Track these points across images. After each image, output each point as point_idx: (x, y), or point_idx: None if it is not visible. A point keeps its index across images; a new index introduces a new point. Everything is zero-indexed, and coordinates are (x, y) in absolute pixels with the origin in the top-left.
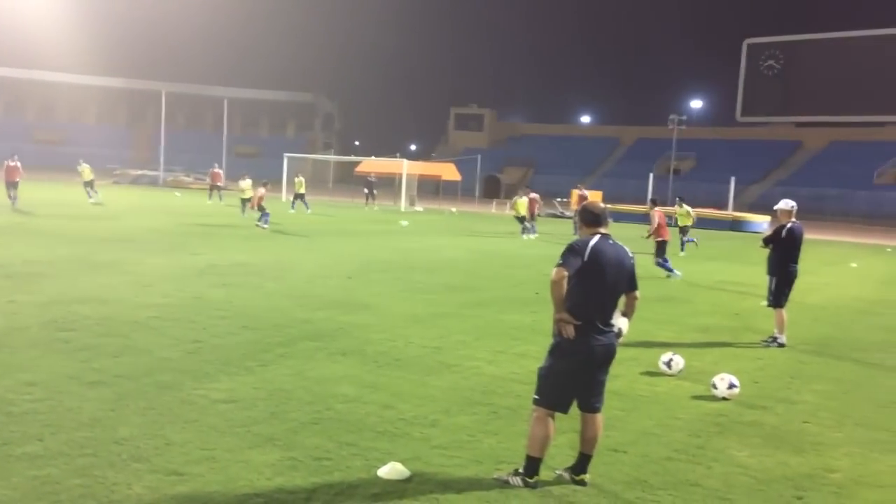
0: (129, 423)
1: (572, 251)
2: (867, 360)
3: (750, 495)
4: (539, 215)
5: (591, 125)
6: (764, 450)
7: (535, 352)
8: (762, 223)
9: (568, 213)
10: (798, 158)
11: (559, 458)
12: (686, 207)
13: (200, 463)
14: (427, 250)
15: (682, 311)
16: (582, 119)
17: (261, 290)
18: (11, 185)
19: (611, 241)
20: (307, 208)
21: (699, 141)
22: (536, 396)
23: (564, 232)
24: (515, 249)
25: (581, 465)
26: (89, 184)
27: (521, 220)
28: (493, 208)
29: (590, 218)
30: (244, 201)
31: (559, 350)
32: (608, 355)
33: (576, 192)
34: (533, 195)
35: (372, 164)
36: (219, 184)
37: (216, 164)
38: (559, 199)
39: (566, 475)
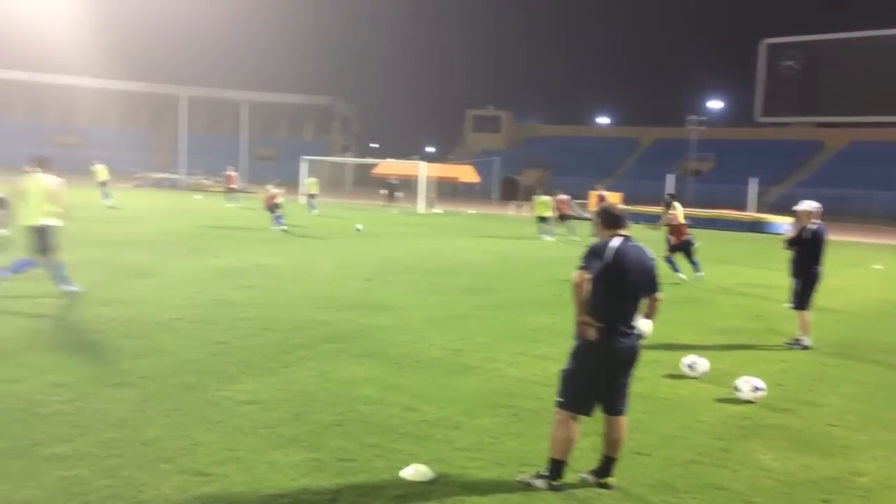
0: (155, 423)
1: (593, 253)
2: (892, 362)
3: (775, 499)
4: (570, 217)
5: (609, 126)
6: (789, 453)
7: (556, 354)
8: (783, 224)
9: (586, 215)
10: (819, 159)
11: (583, 460)
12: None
13: (226, 463)
14: (446, 252)
15: (704, 313)
16: (600, 120)
17: (281, 292)
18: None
19: (632, 243)
20: (313, 209)
21: (719, 142)
22: (559, 399)
23: (582, 233)
24: (534, 251)
25: (605, 467)
26: (104, 185)
27: (543, 220)
28: (511, 210)
29: (610, 219)
30: (272, 207)
31: (581, 352)
32: (631, 358)
33: (594, 194)
34: (563, 196)
35: (390, 167)
36: (233, 186)
37: (230, 167)
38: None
39: (590, 478)
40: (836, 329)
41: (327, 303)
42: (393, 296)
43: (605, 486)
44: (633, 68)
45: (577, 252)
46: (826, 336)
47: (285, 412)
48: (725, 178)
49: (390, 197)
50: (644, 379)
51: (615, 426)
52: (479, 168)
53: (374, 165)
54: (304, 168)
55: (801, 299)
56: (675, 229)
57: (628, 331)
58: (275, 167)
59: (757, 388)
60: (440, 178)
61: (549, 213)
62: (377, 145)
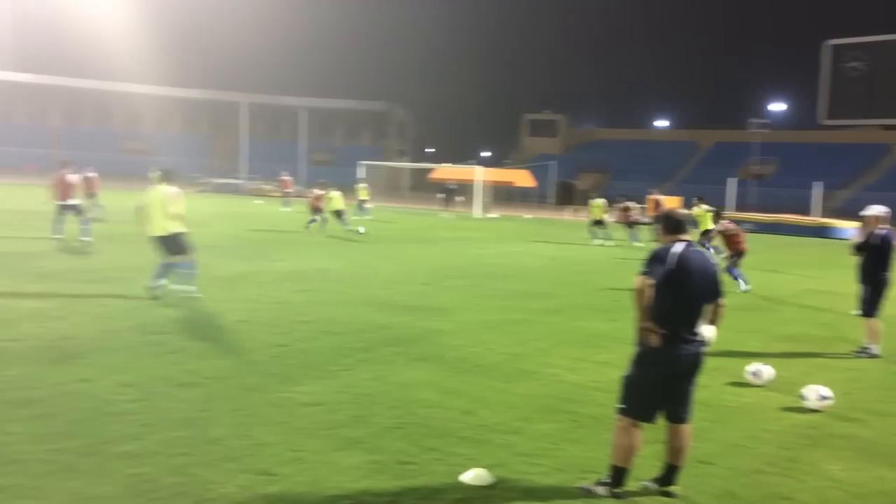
0: (220, 423)
1: (656, 259)
2: None
3: None
4: (637, 222)
5: (667, 129)
6: (858, 464)
7: (615, 360)
8: (849, 230)
9: (644, 220)
10: (887, 162)
11: (645, 468)
12: (705, 207)
13: (290, 464)
14: (502, 257)
15: (768, 319)
16: (658, 123)
17: (340, 295)
18: (90, 196)
19: (694, 248)
20: (363, 214)
21: (781, 145)
22: (620, 405)
23: (645, 239)
24: (592, 256)
25: (668, 476)
26: None
27: (598, 224)
28: (567, 215)
29: (672, 225)
30: (338, 213)
31: (644, 359)
32: (694, 365)
33: (652, 198)
34: (629, 203)
35: (446, 171)
36: (288, 191)
37: (284, 172)
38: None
39: (653, 486)
40: None
41: (385, 306)
42: (450, 300)
43: (668, 494)
44: (693, 70)
45: (635, 257)
46: (895, 345)
47: (346, 414)
48: (789, 182)
49: (448, 201)
50: (707, 386)
51: (678, 434)
52: (535, 172)
53: (430, 170)
54: (360, 173)
55: (870, 306)
56: (729, 239)
57: (691, 337)
58: (332, 172)
59: (823, 397)
60: (496, 182)
61: (603, 217)
62: (433, 150)
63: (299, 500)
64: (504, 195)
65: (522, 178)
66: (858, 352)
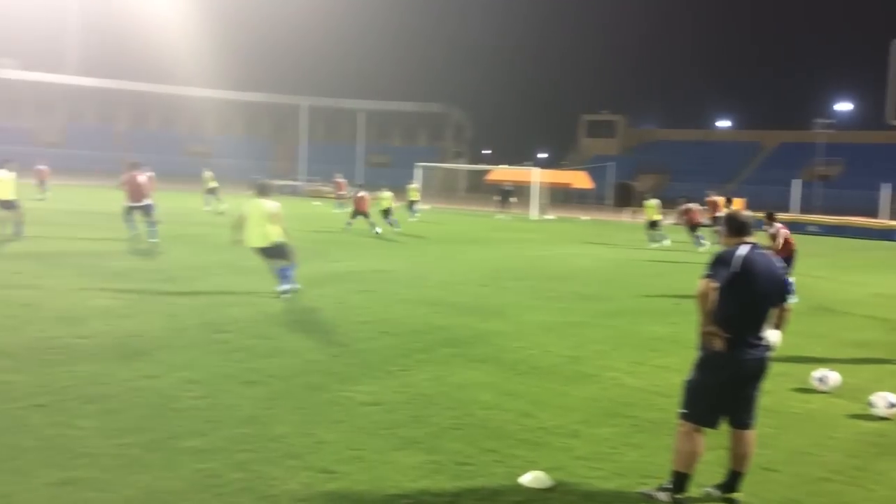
0: (282, 421)
1: (720, 262)
2: None
3: None
4: (700, 224)
5: (729, 129)
6: None
7: (676, 364)
8: None
9: (705, 222)
10: None
11: (707, 474)
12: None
13: (350, 462)
14: (559, 259)
15: (835, 324)
16: (720, 123)
17: (398, 296)
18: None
19: (759, 251)
20: (416, 215)
21: (848, 145)
22: (683, 410)
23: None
24: (651, 258)
25: (732, 483)
26: (212, 191)
27: (653, 225)
28: (626, 216)
29: (736, 226)
30: (385, 212)
31: (707, 364)
32: (759, 370)
33: (710, 200)
34: (691, 205)
35: (503, 173)
36: (342, 193)
37: (338, 174)
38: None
39: (716, 493)
40: None
41: (443, 308)
42: (507, 302)
43: (731, 501)
44: (755, 69)
45: (695, 260)
46: None
47: (404, 414)
48: (855, 183)
49: (503, 203)
50: (772, 392)
51: (742, 440)
52: (593, 174)
53: (486, 172)
54: (417, 175)
55: None
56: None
57: (756, 342)
58: (389, 174)
59: (893, 405)
60: (553, 184)
61: (658, 218)
62: (489, 151)
63: (359, 499)
64: (561, 197)
65: (580, 179)
66: None
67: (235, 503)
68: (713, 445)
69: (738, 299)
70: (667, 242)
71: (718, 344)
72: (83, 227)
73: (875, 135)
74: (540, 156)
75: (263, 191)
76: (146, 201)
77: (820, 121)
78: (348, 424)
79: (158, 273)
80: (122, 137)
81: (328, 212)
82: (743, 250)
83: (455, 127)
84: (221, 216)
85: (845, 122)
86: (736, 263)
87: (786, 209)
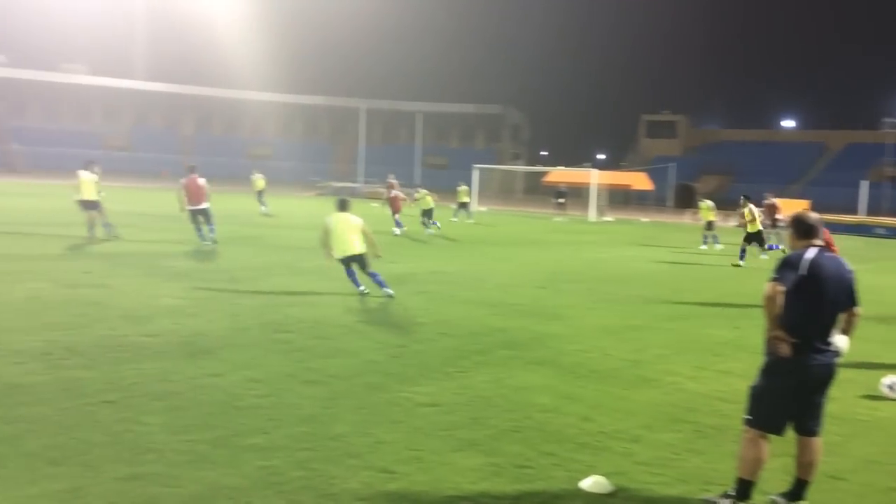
0: (342, 420)
1: (788, 265)
2: None
3: None
4: (768, 226)
5: (794, 130)
6: None
7: (740, 369)
8: None
9: (765, 223)
10: None
11: (772, 482)
12: (752, 207)
13: (409, 463)
14: (618, 261)
15: None
16: (785, 123)
17: (456, 298)
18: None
19: (828, 254)
20: (469, 217)
21: None
22: (748, 416)
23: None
24: (711, 260)
25: (797, 491)
26: (260, 194)
27: (709, 226)
28: (687, 218)
29: (803, 229)
30: (426, 212)
31: (773, 369)
32: (826, 376)
33: (769, 202)
34: (752, 206)
35: (560, 175)
36: (395, 193)
37: (391, 176)
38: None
39: (781, 501)
40: None
41: (501, 310)
42: (566, 304)
43: None
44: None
45: (759, 263)
46: None
47: (463, 416)
48: None
49: (560, 204)
50: (839, 399)
51: (808, 448)
52: (653, 175)
53: (544, 173)
54: (474, 176)
55: None
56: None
57: (824, 347)
58: (447, 176)
59: None
60: (611, 185)
61: (713, 219)
62: (547, 153)
63: (419, 499)
64: (620, 198)
65: (639, 180)
66: None
67: (297, 501)
68: (779, 452)
69: (806, 303)
70: (718, 246)
71: (785, 349)
72: (150, 228)
73: None
74: (598, 157)
75: (344, 206)
76: (205, 205)
77: (889, 120)
78: (407, 425)
79: (221, 273)
80: (186, 141)
81: (385, 213)
82: (811, 253)
83: (512, 128)
84: (269, 218)
85: None
86: (803, 267)
87: (853, 211)
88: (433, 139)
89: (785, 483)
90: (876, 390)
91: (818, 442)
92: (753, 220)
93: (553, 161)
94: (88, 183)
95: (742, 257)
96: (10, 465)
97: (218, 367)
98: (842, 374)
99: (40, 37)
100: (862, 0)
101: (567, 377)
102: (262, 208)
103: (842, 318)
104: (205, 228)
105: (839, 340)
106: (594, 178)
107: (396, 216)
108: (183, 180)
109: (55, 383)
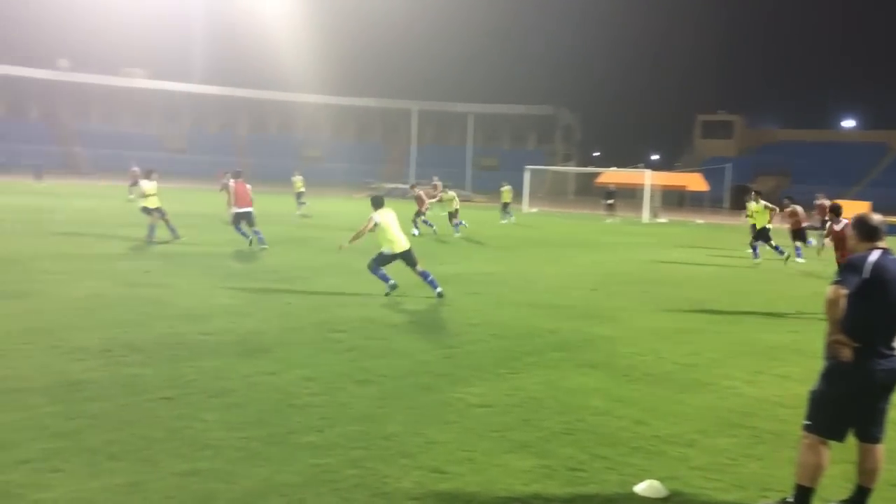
0: (394, 420)
1: (850, 268)
2: None
3: None
4: (810, 228)
5: (854, 130)
6: None
7: (798, 374)
8: None
9: (814, 224)
10: None
11: (833, 489)
12: (763, 203)
13: (461, 463)
14: (672, 263)
15: None
16: (845, 123)
17: (507, 299)
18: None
19: (892, 257)
20: (510, 217)
21: None
22: (807, 422)
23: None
24: (768, 263)
25: (859, 499)
26: (300, 195)
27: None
28: (743, 220)
29: (866, 231)
30: (451, 214)
31: (834, 374)
32: (890, 381)
33: (820, 203)
34: (796, 207)
35: (613, 176)
36: (437, 195)
37: (435, 177)
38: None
39: None
40: None
41: (552, 311)
42: (618, 307)
43: None
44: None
45: (818, 268)
46: None
47: (515, 417)
48: None
49: (609, 206)
50: None
51: (871, 455)
52: (709, 176)
53: (596, 175)
54: (526, 178)
55: None
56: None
57: (888, 352)
58: (498, 177)
59: None
60: (665, 186)
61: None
62: (599, 154)
63: (471, 500)
64: (675, 200)
65: (694, 181)
66: None
67: (350, 499)
68: (839, 459)
69: (869, 307)
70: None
71: (846, 354)
72: (203, 229)
73: None
74: (652, 158)
75: (381, 202)
76: (252, 208)
77: None
78: (459, 426)
79: (273, 273)
80: (241, 143)
81: (439, 214)
82: (874, 256)
83: (564, 129)
84: (306, 218)
85: None
86: (867, 269)
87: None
88: (484, 140)
89: (846, 490)
90: None
91: (881, 449)
92: (763, 214)
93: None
94: (152, 191)
95: (755, 254)
96: (72, 459)
97: (272, 366)
98: None
99: (102, 42)
100: None
101: (620, 380)
102: (300, 210)
103: None
104: (248, 230)
105: None
106: (648, 178)
107: (421, 218)
108: (232, 183)
109: (115, 380)
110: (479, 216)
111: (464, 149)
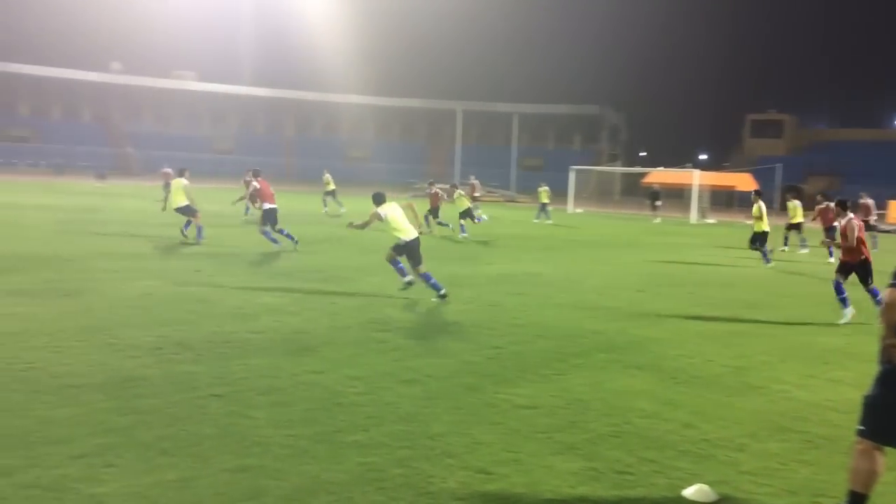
0: (440, 420)
1: None
2: None
3: None
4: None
5: None
6: None
7: (851, 378)
8: None
9: (884, 227)
10: None
11: (888, 496)
12: (760, 204)
13: (507, 464)
14: (719, 264)
15: None
16: None
17: (552, 299)
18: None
19: None
20: (547, 218)
21: None
22: (861, 427)
23: (886, 247)
24: (818, 265)
25: None
26: (331, 193)
27: (793, 228)
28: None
29: None
30: (463, 213)
31: (890, 379)
32: None
33: (863, 202)
34: (829, 204)
35: (660, 176)
36: (475, 195)
37: (472, 176)
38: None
39: None
40: None
41: (598, 312)
42: (665, 308)
43: None
44: None
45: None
46: None
47: (561, 419)
48: None
49: (654, 206)
50: None
51: None
52: (758, 176)
53: (643, 175)
54: (571, 178)
55: None
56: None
57: None
58: (543, 177)
59: None
60: (714, 186)
61: (800, 219)
62: (645, 153)
63: (517, 502)
64: (723, 200)
65: (744, 181)
66: None
67: (397, 498)
68: (894, 465)
69: None
70: (805, 251)
71: None
72: (249, 228)
73: None
74: (700, 157)
75: (382, 198)
76: (276, 205)
77: None
78: (504, 426)
79: (318, 273)
80: (287, 144)
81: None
82: None
83: (610, 129)
84: (338, 218)
85: None
86: None
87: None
88: (529, 140)
89: None
90: None
91: None
92: (761, 217)
93: (652, 162)
94: (179, 189)
95: (767, 260)
96: (125, 454)
97: (319, 365)
98: None
99: (153, 45)
100: None
101: (668, 382)
102: (334, 209)
103: None
104: (275, 232)
105: None
106: (696, 178)
107: (437, 220)
108: (255, 182)
109: (167, 377)
110: (522, 216)
111: (509, 149)
